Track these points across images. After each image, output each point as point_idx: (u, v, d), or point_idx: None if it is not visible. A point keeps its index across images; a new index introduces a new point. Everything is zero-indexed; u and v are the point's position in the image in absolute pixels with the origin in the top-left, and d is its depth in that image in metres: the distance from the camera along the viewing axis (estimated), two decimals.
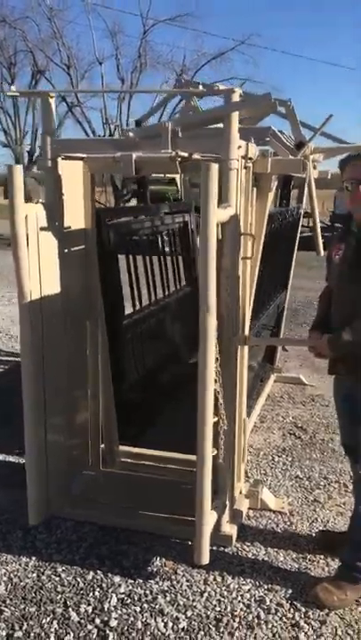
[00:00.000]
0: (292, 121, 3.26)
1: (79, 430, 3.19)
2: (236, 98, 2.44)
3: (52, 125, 2.69)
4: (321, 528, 2.97)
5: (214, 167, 2.20)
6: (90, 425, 3.25)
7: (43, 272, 2.71)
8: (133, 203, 12.16)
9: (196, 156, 2.54)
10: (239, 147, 2.50)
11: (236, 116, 2.44)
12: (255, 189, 2.86)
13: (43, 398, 2.80)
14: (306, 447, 3.88)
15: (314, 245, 3.73)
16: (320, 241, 3.83)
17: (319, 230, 3.79)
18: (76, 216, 2.93)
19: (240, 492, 3.10)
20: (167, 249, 4.36)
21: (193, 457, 3.38)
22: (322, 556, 2.75)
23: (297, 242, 4.83)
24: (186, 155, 2.46)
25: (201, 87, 2.59)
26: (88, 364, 3.18)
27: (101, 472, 3.30)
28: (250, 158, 2.70)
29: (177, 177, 4.48)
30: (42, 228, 2.67)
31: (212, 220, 2.23)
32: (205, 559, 2.49)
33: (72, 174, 2.84)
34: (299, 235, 4.89)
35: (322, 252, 3.86)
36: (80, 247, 3.01)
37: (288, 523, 3.02)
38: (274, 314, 4.53)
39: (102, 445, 3.33)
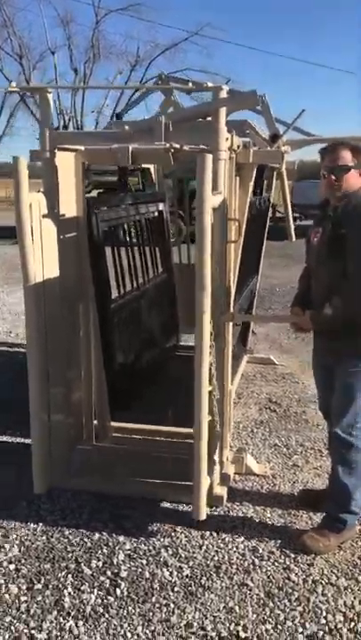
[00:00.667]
0: (267, 114, 3.51)
1: (74, 407, 3.39)
2: (223, 94, 2.67)
3: (50, 119, 2.87)
4: (302, 488, 3.26)
5: (209, 157, 2.43)
6: (83, 402, 3.45)
7: (45, 257, 2.89)
8: (94, 194, 12.23)
9: (185, 147, 2.77)
10: (226, 139, 2.74)
11: (223, 111, 2.68)
12: (238, 178, 3.11)
13: (47, 376, 2.99)
14: (281, 419, 4.17)
15: (286, 233, 4.02)
16: (292, 228, 4.13)
17: (291, 218, 4.08)
18: (69, 204, 3.12)
19: (227, 459, 3.36)
20: (146, 237, 4.57)
21: (179, 429, 3.67)
22: (304, 512, 3.04)
23: (267, 229, 5.11)
24: (178, 146, 2.68)
25: (191, 84, 2.81)
26: (81, 345, 3.37)
27: (95, 446, 3.51)
28: (234, 150, 2.94)
29: (151, 167, 4.63)
30: (43, 216, 2.85)
31: (207, 205, 2.46)
32: (203, 515, 2.76)
33: (66, 165, 3.03)
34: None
35: (294, 238, 4.16)
36: (73, 234, 3.20)
37: (272, 484, 3.30)
38: (248, 297, 4.80)
39: (95, 421, 3.55)
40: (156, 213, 4.82)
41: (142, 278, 4.50)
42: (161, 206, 4.90)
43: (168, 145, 2.66)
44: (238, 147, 3.03)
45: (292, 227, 4.09)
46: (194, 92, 3.31)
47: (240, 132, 3.23)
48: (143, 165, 4.63)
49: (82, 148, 3.07)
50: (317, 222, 2.82)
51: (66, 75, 33.11)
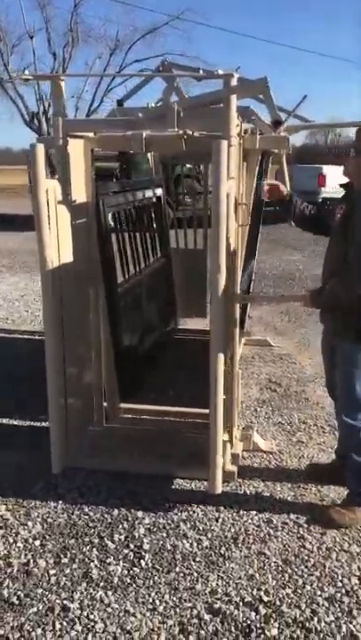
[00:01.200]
0: (269, 101, 3.58)
1: (86, 389, 3.47)
2: (234, 82, 2.74)
3: (63, 106, 2.91)
4: (308, 462, 3.39)
5: (224, 143, 2.52)
6: (94, 384, 3.54)
7: (60, 242, 2.95)
8: None
9: (196, 134, 2.84)
10: (237, 125, 2.82)
11: (234, 98, 2.75)
12: (245, 164, 3.19)
13: (63, 359, 3.06)
14: (282, 398, 4.30)
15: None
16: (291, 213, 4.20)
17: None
18: (80, 190, 3.18)
19: (235, 437, 3.48)
20: (147, 222, 4.63)
21: (187, 409, 3.78)
22: (313, 485, 3.17)
23: (262, 214, 5.20)
24: (191, 133, 2.75)
25: (201, 71, 2.87)
26: (92, 328, 3.45)
27: (106, 427, 3.61)
28: (241, 135, 3.02)
29: (149, 154, 4.70)
30: (58, 202, 2.91)
31: (223, 189, 2.55)
32: (219, 489, 2.88)
33: (77, 152, 3.08)
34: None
35: (293, 223, 4.25)
36: (83, 219, 3.26)
37: (279, 460, 3.43)
38: (247, 280, 4.90)
39: (105, 403, 3.63)
40: (155, 199, 4.88)
41: (145, 263, 4.57)
42: (159, 192, 4.96)
43: (181, 132, 2.73)
44: (245, 133, 3.11)
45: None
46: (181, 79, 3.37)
47: (244, 118, 3.30)
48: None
49: (90, 134, 3.13)
50: (341, 200, 2.83)
51: (44, 58, 32.60)
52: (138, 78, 4.73)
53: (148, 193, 4.65)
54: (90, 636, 2.19)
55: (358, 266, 2.58)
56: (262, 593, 2.40)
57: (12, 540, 2.73)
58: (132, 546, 2.68)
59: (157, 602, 2.36)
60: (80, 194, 3.17)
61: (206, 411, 3.57)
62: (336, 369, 2.90)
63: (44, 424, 3.81)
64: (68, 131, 2.92)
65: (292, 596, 2.38)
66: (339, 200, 2.85)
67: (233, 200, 2.89)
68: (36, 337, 5.76)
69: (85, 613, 2.30)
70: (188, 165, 11.29)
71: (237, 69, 2.80)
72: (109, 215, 3.60)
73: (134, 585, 2.45)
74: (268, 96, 3.56)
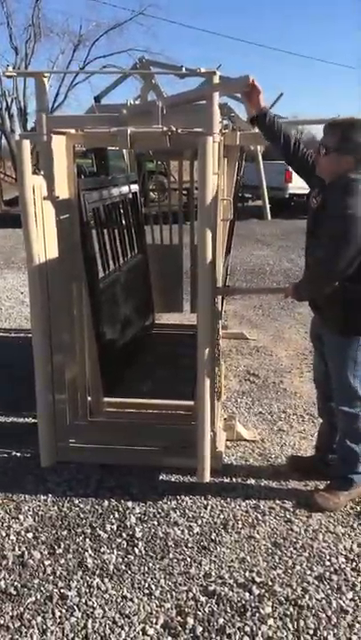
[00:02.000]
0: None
1: (72, 384, 3.50)
2: (216, 80, 2.81)
3: (46, 103, 2.94)
4: (290, 453, 3.47)
5: (210, 139, 2.58)
6: (78, 379, 3.57)
7: (46, 238, 2.98)
8: None
9: (180, 130, 2.89)
10: (220, 122, 2.89)
11: (217, 95, 2.81)
12: (225, 160, 3.26)
13: (50, 355, 3.09)
14: (261, 389, 4.40)
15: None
16: (268, 207, 4.32)
17: (267, 198, 4.27)
18: (63, 187, 3.21)
19: (219, 427, 3.55)
20: (124, 218, 4.67)
21: (169, 401, 3.84)
22: (295, 474, 3.26)
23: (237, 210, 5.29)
24: (175, 129, 2.81)
25: (184, 69, 2.93)
26: (75, 323, 3.48)
27: (92, 421, 3.64)
28: (222, 132, 3.09)
29: (124, 151, 4.74)
30: (44, 198, 2.93)
31: (209, 185, 2.61)
32: (207, 478, 2.95)
33: (60, 148, 3.11)
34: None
35: (269, 218, 4.36)
36: (67, 215, 3.28)
37: (262, 448, 3.52)
38: (224, 273, 4.98)
39: (89, 397, 3.67)
40: (131, 195, 4.93)
41: (123, 258, 4.62)
42: (134, 188, 5.01)
43: (166, 128, 2.78)
44: (226, 129, 3.18)
45: (268, 206, 4.28)
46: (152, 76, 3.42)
47: (222, 115, 3.37)
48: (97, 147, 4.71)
49: (72, 130, 3.16)
50: (319, 188, 2.76)
51: (5, 53, 31.96)
52: (108, 76, 4.77)
53: (125, 189, 4.70)
54: (90, 621, 2.24)
55: (325, 264, 2.60)
56: (254, 574, 2.48)
57: (4, 534, 2.76)
58: (124, 535, 2.73)
59: (153, 587, 2.42)
60: (63, 190, 3.19)
61: (187, 402, 3.67)
62: (322, 357, 2.99)
63: (28, 420, 3.84)
64: (51, 127, 2.94)
65: (283, 576, 2.48)
66: (316, 187, 2.78)
67: (217, 195, 2.96)
68: (12, 334, 5.75)
69: (84, 600, 2.35)
70: (156, 162, 11.35)
71: (219, 67, 2.86)
72: (90, 211, 3.64)
73: (130, 572, 2.50)
74: None
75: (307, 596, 2.36)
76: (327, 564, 2.54)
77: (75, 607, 2.31)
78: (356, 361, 2.78)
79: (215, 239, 2.99)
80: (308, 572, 2.49)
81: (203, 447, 2.90)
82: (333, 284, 2.62)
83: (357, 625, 2.23)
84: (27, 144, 2.71)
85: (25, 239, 2.84)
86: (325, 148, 2.61)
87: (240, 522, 2.83)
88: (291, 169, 3.11)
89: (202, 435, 2.89)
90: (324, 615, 2.26)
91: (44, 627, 2.23)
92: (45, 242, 2.98)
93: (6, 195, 14.84)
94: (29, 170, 2.74)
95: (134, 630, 2.21)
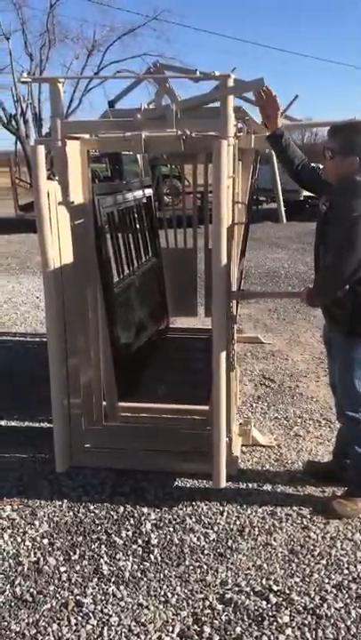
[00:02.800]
0: None
1: (87, 389, 3.49)
2: (230, 83, 2.79)
3: (61, 108, 2.94)
4: (307, 458, 3.43)
5: (225, 143, 2.57)
6: (93, 383, 3.56)
7: (61, 243, 2.98)
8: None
9: (194, 134, 2.88)
10: (233, 125, 2.87)
11: (231, 98, 2.80)
12: (240, 163, 3.24)
13: (65, 360, 3.09)
14: (277, 394, 4.36)
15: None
16: (282, 210, 4.29)
17: (282, 200, 4.24)
18: (77, 192, 3.20)
19: (235, 432, 3.53)
20: (139, 222, 4.67)
21: (184, 406, 3.82)
22: (312, 480, 3.23)
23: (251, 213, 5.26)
24: (189, 133, 2.80)
25: (198, 73, 2.92)
26: (90, 328, 3.47)
27: (106, 426, 3.63)
28: (237, 135, 3.07)
29: (138, 156, 4.73)
30: (59, 203, 2.93)
31: (223, 188, 2.59)
32: (223, 483, 2.92)
33: (74, 153, 3.11)
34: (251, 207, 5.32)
35: (284, 221, 4.33)
36: (81, 220, 3.28)
37: (278, 454, 3.49)
38: (238, 277, 4.96)
39: (104, 402, 3.66)
40: (145, 200, 4.93)
41: (137, 262, 4.61)
42: (148, 192, 5.01)
43: (180, 132, 2.77)
44: (240, 132, 3.17)
45: (283, 209, 4.25)
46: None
47: (237, 118, 3.35)
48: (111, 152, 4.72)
49: (86, 136, 3.16)
50: (326, 192, 2.77)
51: (20, 60, 32.36)
52: (122, 80, 4.76)
53: (139, 193, 4.70)
54: (105, 629, 2.23)
55: (332, 269, 2.58)
56: (271, 582, 2.45)
57: (20, 540, 2.75)
58: (140, 541, 2.72)
59: (169, 594, 2.40)
60: (78, 195, 3.19)
61: (202, 407, 3.64)
62: (333, 361, 2.96)
63: (43, 424, 3.84)
64: (65, 132, 2.94)
65: (300, 584, 2.44)
66: (326, 192, 2.78)
67: (231, 199, 2.94)
68: (28, 338, 5.77)
69: (99, 608, 2.33)
70: (170, 166, 11.37)
71: (233, 70, 2.84)
72: (105, 215, 3.65)
73: (145, 579, 2.49)
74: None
75: (325, 605, 2.32)
76: (346, 572, 2.51)
77: (90, 615, 2.30)
78: None
79: (230, 243, 2.97)
80: (327, 581, 2.46)
81: (218, 452, 2.88)
82: (342, 288, 2.59)
83: None
84: (41, 149, 2.71)
85: (40, 244, 2.84)
86: (331, 151, 2.63)
87: (256, 528, 2.80)
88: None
89: (217, 440, 2.86)
90: (343, 625, 2.22)
91: (60, 634, 2.21)
92: (60, 247, 2.98)
93: (21, 200, 14.92)
94: (44, 175, 2.74)
95: (150, 639, 2.19)
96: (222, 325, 2.81)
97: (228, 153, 2.82)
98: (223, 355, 2.82)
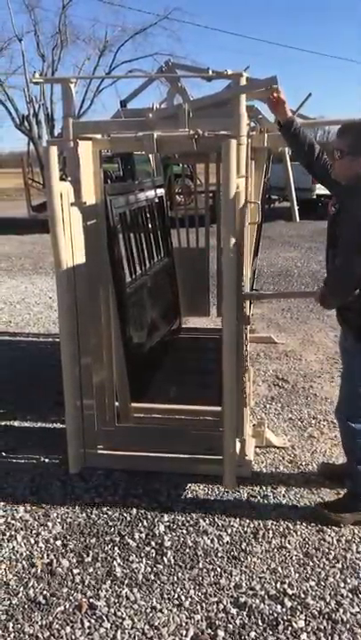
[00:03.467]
0: None
1: (100, 390, 3.48)
2: (243, 82, 2.77)
3: (73, 109, 2.93)
4: (321, 460, 3.40)
5: (234, 143, 2.55)
6: (106, 384, 3.55)
7: (73, 244, 2.97)
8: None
9: (206, 133, 2.86)
10: (246, 124, 2.84)
11: (244, 97, 2.77)
12: (253, 162, 3.21)
13: (78, 361, 3.08)
14: (291, 394, 4.33)
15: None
16: (296, 209, 4.25)
17: (295, 199, 4.20)
18: (90, 192, 3.19)
19: (248, 434, 3.50)
20: (151, 222, 4.66)
21: (197, 407, 3.79)
22: (326, 482, 3.19)
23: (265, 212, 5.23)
24: (201, 132, 2.78)
25: (210, 72, 2.89)
26: (102, 328, 3.46)
27: (118, 427, 3.62)
28: (250, 134, 3.04)
29: (150, 155, 4.73)
30: (71, 204, 2.92)
31: (233, 188, 2.57)
32: (234, 485, 2.90)
33: (86, 154, 3.10)
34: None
35: (297, 219, 4.29)
36: (94, 220, 3.27)
37: (292, 455, 3.46)
38: (251, 276, 4.92)
39: (116, 403, 3.65)
40: (157, 199, 4.91)
41: (149, 262, 4.60)
42: (160, 192, 4.99)
43: (192, 132, 2.75)
44: (253, 131, 3.14)
45: (296, 207, 4.22)
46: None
47: (249, 117, 3.33)
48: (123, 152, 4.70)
49: (98, 136, 3.15)
50: (335, 193, 2.77)
51: (33, 61, 32.54)
52: (134, 80, 4.74)
53: (151, 193, 4.68)
54: (119, 632, 2.21)
55: (341, 271, 2.54)
56: (286, 586, 2.42)
57: (33, 541, 2.74)
58: (153, 543, 2.70)
59: (183, 597, 2.38)
60: (90, 196, 3.18)
61: (215, 408, 3.62)
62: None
63: (55, 425, 3.84)
64: (77, 132, 2.93)
65: (315, 588, 2.41)
66: (334, 191, 2.77)
67: (243, 198, 2.92)
68: (40, 339, 5.78)
69: (113, 611, 2.32)
70: (182, 165, 11.35)
71: (246, 69, 2.82)
72: (117, 216, 3.63)
73: (159, 581, 2.47)
74: None
75: (341, 610, 2.29)
76: None
77: (103, 617, 2.28)
78: None
79: (242, 242, 2.95)
80: (342, 585, 2.43)
81: (228, 454, 2.85)
82: (352, 291, 2.54)
83: None
84: (54, 150, 2.70)
85: (53, 245, 2.83)
86: (339, 151, 2.57)
87: (271, 531, 2.77)
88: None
89: (228, 441, 2.84)
90: (359, 630, 2.19)
91: (73, 637, 2.20)
92: (72, 247, 2.97)
93: (34, 201, 14.96)
94: (57, 176, 2.73)
95: None
96: (232, 325, 2.78)
97: (240, 152, 2.80)
98: (233, 355, 2.79)
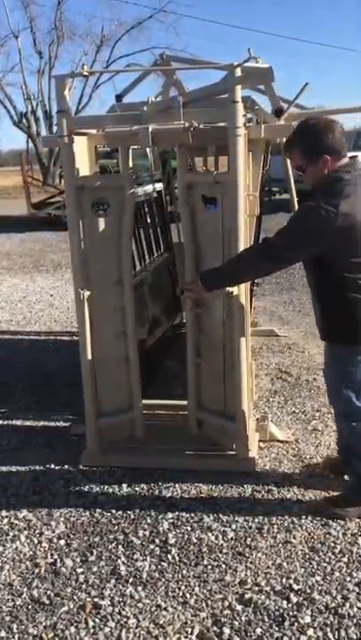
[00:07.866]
0: (270, 90, 3.56)
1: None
2: (238, 72, 2.73)
3: (67, 104, 2.89)
4: (326, 453, 3.37)
5: (240, 136, 2.52)
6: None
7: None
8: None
9: (202, 126, 2.82)
10: (244, 115, 2.81)
11: (239, 88, 2.73)
12: (250, 154, 3.17)
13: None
14: (294, 388, 4.30)
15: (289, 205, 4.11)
16: (295, 200, 4.21)
17: (294, 191, 4.16)
18: None
19: (251, 427, 3.47)
20: (150, 217, 4.63)
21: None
22: (331, 475, 3.16)
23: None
24: (197, 125, 2.74)
25: (205, 63, 2.86)
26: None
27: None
28: (246, 125, 3.00)
29: (148, 149, 4.70)
30: None
31: (240, 181, 2.55)
32: (254, 454, 3.11)
33: (81, 149, 3.07)
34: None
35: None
36: None
37: (296, 449, 3.43)
38: None
39: None
40: (156, 194, 4.87)
41: (149, 257, 4.57)
42: (159, 187, 4.95)
43: (188, 124, 2.71)
44: (250, 122, 3.10)
45: (295, 199, 4.18)
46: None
47: (246, 108, 3.29)
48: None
49: (93, 131, 3.11)
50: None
51: (29, 58, 32.41)
52: (131, 75, 4.71)
53: (149, 188, 4.65)
54: (123, 632, 2.19)
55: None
56: (292, 581, 2.40)
57: (36, 541, 2.73)
58: (157, 541, 2.68)
59: (188, 595, 2.36)
60: None
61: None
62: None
63: (59, 424, 3.82)
64: (72, 128, 2.90)
65: (321, 582, 2.39)
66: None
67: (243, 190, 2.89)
68: (42, 337, 5.76)
69: (117, 610, 2.30)
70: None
71: (249, 50, 2.78)
72: None
73: (163, 579, 2.45)
74: (270, 85, 3.54)
75: (347, 605, 2.27)
76: None
77: (108, 617, 2.27)
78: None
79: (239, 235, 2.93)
80: (348, 579, 2.40)
81: (242, 420, 3.01)
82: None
83: None
84: (72, 147, 2.69)
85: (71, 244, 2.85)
86: (299, 167, 2.60)
87: (275, 526, 2.75)
88: None
89: (242, 423, 2.90)
90: None
91: (78, 637, 2.18)
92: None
93: (34, 198, 14.93)
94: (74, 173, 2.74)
95: None
96: (240, 317, 2.76)
97: (238, 144, 2.77)
98: (243, 344, 2.78)
